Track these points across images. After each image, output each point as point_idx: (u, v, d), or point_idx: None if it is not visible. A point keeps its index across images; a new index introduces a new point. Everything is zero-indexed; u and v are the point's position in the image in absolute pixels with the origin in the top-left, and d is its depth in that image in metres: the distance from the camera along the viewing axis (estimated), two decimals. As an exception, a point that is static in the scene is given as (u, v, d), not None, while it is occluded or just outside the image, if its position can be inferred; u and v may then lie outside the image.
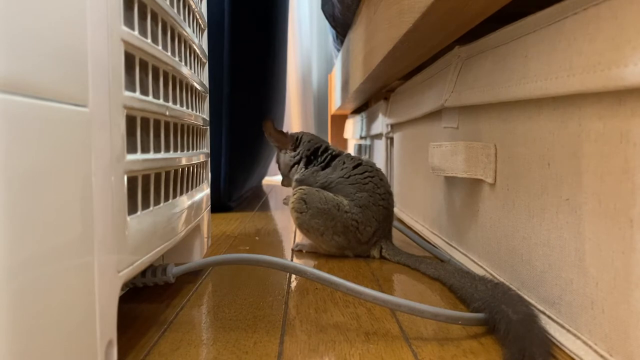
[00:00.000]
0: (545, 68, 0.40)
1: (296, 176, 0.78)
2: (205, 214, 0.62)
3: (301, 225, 0.69)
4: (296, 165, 0.78)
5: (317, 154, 0.77)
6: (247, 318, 0.45)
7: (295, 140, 0.80)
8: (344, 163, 0.73)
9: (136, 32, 0.33)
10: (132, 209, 0.34)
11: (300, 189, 0.70)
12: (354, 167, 0.72)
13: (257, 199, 1.46)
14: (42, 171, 0.22)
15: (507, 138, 0.50)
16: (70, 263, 0.24)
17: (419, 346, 0.40)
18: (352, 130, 1.84)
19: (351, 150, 1.94)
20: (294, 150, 0.79)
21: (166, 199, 0.42)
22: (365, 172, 0.71)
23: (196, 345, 0.39)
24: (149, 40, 0.36)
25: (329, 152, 0.77)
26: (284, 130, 0.83)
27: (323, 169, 0.75)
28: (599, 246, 0.35)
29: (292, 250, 0.75)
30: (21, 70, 0.21)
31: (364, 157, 1.57)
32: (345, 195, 0.69)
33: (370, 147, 1.49)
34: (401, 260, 0.66)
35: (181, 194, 0.48)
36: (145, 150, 0.36)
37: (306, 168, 0.77)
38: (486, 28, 0.56)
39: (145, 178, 0.37)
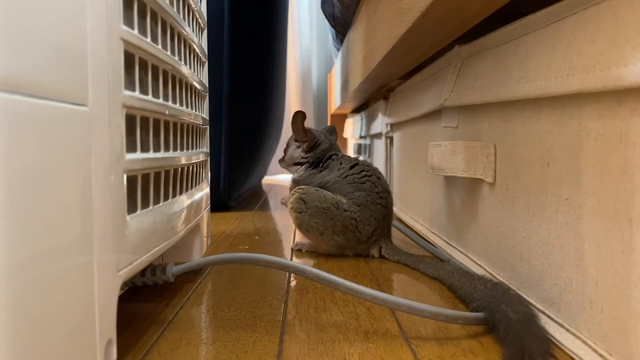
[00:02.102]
0: (545, 68, 0.40)
1: (294, 175, 0.78)
2: (205, 213, 0.62)
3: (300, 225, 0.69)
4: (299, 166, 0.79)
5: (323, 160, 0.77)
6: (246, 317, 0.45)
7: (314, 145, 0.78)
8: (340, 164, 0.73)
9: (136, 31, 0.33)
10: (131, 208, 0.34)
11: (300, 188, 0.70)
12: (351, 167, 0.72)
13: (256, 199, 1.46)
14: (42, 170, 0.22)
15: (506, 138, 0.50)
16: (70, 262, 0.24)
17: (419, 345, 0.40)
18: (352, 129, 1.84)
19: (351, 149, 1.94)
20: (306, 152, 0.78)
21: (166, 198, 0.42)
22: (362, 171, 0.71)
23: (196, 344, 0.39)
24: (149, 40, 0.36)
25: (331, 157, 0.76)
26: (289, 130, 0.82)
27: (320, 171, 0.75)
28: (599, 246, 0.35)
29: (292, 249, 0.75)
30: (21, 70, 0.21)
31: (361, 157, 1.57)
32: (344, 195, 0.69)
33: (370, 147, 1.49)
34: (400, 260, 0.66)
35: (181, 193, 0.48)
36: (144, 149, 0.36)
37: (305, 171, 0.77)
38: (486, 28, 0.56)
39: (145, 177, 0.37)
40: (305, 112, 0.79)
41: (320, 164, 0.76)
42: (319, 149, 0.78)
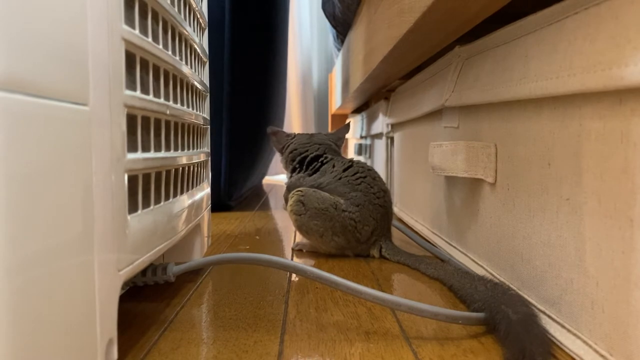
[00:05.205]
0: (546, 68, 0.40)
1: (286, 181, 0.79)
2: (206, 213, 0.62)
3: (300, 227, 0.69)
4: (290, 173, 0.80)
5: (303, 163, 0.77)
6: (247, 317, 0.45)
7: (282, 148, 0.82)
8: (333, 166, 0.73)
9: (137, 31, 0.33)
10: (132, 208, 0.34)
11: (298, 190, 0.70)
12: (344, 170, 0.71)
13: (257, 199, 1.46)
14: (43, 170, 0.22)
15: (507, 138, 0.50)
16: (71, 262, 0.24)
17: (419, 345, 0.40)
18: (353, 129, 1.84)
19: (351, 149, 1.94)
20: (282, 158, 0.82)
21: (167, 198, 0.42)
22: (356, 173, 0.71)
23: (196, 344, 0.39)
24: (150, 39, 0.36)
25: (320, 160, 0.76)
26: (289, 130, 0.84)
27: (310, 174, 0.75)
28: (599, 246, 0.35)
29: (292, 249, 0.75)
30: (22, 69, 0.21)
31: (361, 158, 1.57)
32: (340, 195, 0.69)
33: (371, 147, 1.49)
34: (401, 260, 0.66)
35: (181, 193, 0.48)
36: (145, 149, 0.36)
37: (291, 175, 0.78)
38: (486, 28, 0.56)
39: (146, 177, 0.37)
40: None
41: (304, 168, 0.76)
42: (285, 151, 0.81)
